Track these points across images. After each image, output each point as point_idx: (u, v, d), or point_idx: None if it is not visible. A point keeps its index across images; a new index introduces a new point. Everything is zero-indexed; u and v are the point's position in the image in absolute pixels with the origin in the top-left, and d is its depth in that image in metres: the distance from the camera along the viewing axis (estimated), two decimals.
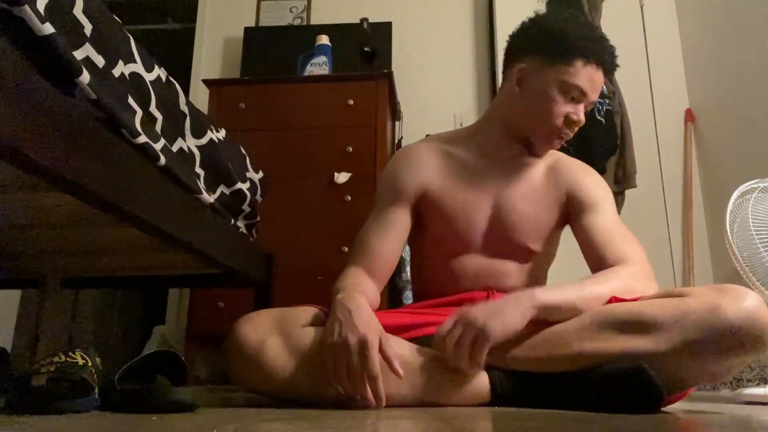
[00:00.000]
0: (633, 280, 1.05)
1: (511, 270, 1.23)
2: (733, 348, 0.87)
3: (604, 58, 1.15)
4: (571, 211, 1.23)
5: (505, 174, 1.25)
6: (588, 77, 1.14)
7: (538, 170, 1.27)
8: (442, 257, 1.25)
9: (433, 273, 1.28)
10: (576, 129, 1.19)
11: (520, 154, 1.26)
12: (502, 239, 1.22)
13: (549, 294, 1.00)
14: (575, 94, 1.15)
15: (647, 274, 1.09)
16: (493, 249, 1.22)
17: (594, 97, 1.17)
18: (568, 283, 1.03)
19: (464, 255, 1.23)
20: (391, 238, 1.22)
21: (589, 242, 1.17)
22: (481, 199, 1.24)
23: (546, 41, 1.16)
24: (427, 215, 1.25)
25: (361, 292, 1.06)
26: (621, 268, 1.08)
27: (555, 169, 1.27)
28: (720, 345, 0.87)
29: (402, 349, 1.01)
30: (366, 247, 1.21)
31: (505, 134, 1.25)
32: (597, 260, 1.13)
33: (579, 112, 1.16)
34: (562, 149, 1.30)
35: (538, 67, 1.17)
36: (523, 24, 1.24)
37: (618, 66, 1.18)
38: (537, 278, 1.28)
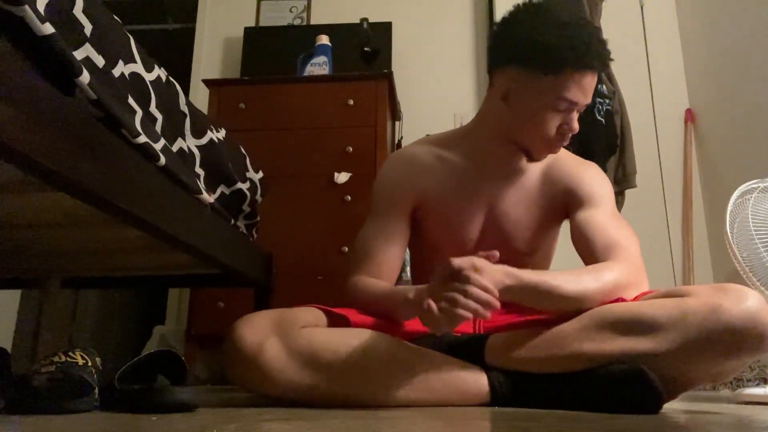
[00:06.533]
0: (623, 276, 1.03)
1: None
2: (734, 349, 0.87)
3: (592, 61, 1.07)
4: (569, 208, 1.21)
5: (498, 179, 1.24)
6: (577, 86, 1.07)
7: (533, 172, 1.25)
8: (439, 261, 1.24)
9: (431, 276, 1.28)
10: (570, 136, 1.15)
11: (513, 156, 1.23)
12: (496, 246, 1.20)
13: (529, 274, 0.97)
14: (565, 106, 1.10)
15: (638, 271, 1.06)
16: None
17: (587, 101, 1.11)
18: (556, 271, 1.02)
19: None
20: (395, 247, 1.22)
21: (582, 238, 1.14)
22: (475, 207, 1.23)
23: (527, 52, 1.09)
24: (423, 222, 1.26)
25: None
26: (611, 264, 1.05)
27: (551, 168, 1.25)
28: (720, 346, 0.87)
29: (401, 350, 1.01)
30: (371, 256, 1.20)
31: (497, 139, 1.21)
32: (589, 256, 1.11)
33: (572, 122, 1.12)
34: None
35: (523, 80, 1.11)
36: (499, 29, 1.16)
37: (611, 59, 1.11)
38: None
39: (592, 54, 1.07)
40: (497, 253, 0.95)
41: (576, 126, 1.13)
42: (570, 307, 0.99)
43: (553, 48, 1.06)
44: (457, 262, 0.92)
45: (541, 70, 1.08)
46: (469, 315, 0.87)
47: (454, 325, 0.89)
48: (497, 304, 0.89)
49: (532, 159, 1.22)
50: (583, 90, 1.09)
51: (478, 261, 0.93)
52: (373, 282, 1.15)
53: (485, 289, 0.89)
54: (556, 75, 1.07)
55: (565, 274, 1.01)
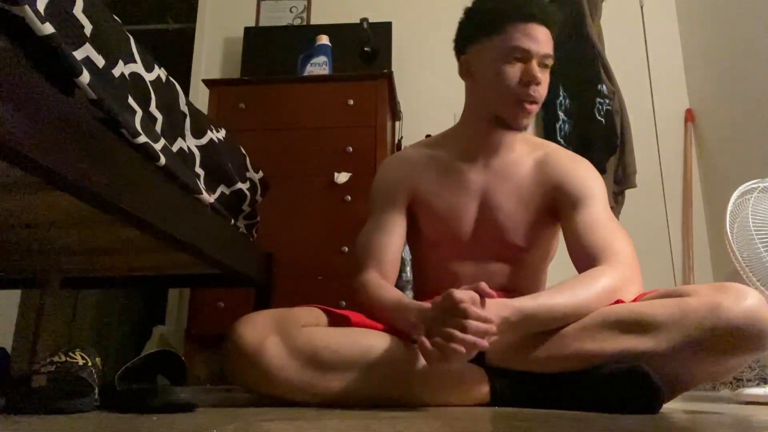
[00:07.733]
0: (616, 279, 1.02)
1: (506, 270, 1.22)
2: (734, 348, 0.87)
3: (531, 10, 1.13)
4: (560, 206, 1.19)
5: (490, 173, 1.24)
6: (523, 34, 1.12)
7: (525, 166, 1.24)
8: (438, 259, 1.26)
9: (432, 273, 1.29)
10: (539, 89, 1.14)
11: (503, 149, 1.24)
12: (492, 239, 1.22)
13: (525, 301, 0.97)
14: (518, 55, 1.13)
15: (631, 270, 1.05)
16: (485, 249, 1.22)
17: (543, 50, 1.13)
18: (550, 290, 1.02)
19: (458, 256, 1.24)
20: (394, 242, 1.24)
21: (573, 238, 1.13)
22: (468, 200, 1.23)
23: (474, 25, 1.20)
24: (420, 219, 1.27)
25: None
26: (603, 268, 1.04)
27: (543, 163, 1.23)
28: (720, 345, 0.87)
29: (401, 349, 1.01)
30: (374, 252, 1.22)
31: (480, 126, 1.23)
32: (581, 257, 1.10)
33: (532, 71, 1.12)
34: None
35: (477, 50, 1.20)
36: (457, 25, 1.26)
37: (554, 14, 1.16)
38: (535, 275, 1.27)
39: (531, 5, 1.13)
40: (491, 291, 0.94)
41: (537, 75, 1.13)
42: (570, 322, 0.99)
43: (493, 10, 1.17)
44: (458, 294, 0.91)
45: (487, 34, 1.17)
46: (463, 350, 0.86)
47: (450, 361, 0.88)
48: (494, 329, 0.89)
49: (510, 127, 1.19)
50: (532, 38, 1.13)
51: (476, 296, 0.93)
52: (378, 288, 1.15)
53: (484, 320, 0.89)
54: (501, 33, 1.14)
55: (558, 290, 1.00)
